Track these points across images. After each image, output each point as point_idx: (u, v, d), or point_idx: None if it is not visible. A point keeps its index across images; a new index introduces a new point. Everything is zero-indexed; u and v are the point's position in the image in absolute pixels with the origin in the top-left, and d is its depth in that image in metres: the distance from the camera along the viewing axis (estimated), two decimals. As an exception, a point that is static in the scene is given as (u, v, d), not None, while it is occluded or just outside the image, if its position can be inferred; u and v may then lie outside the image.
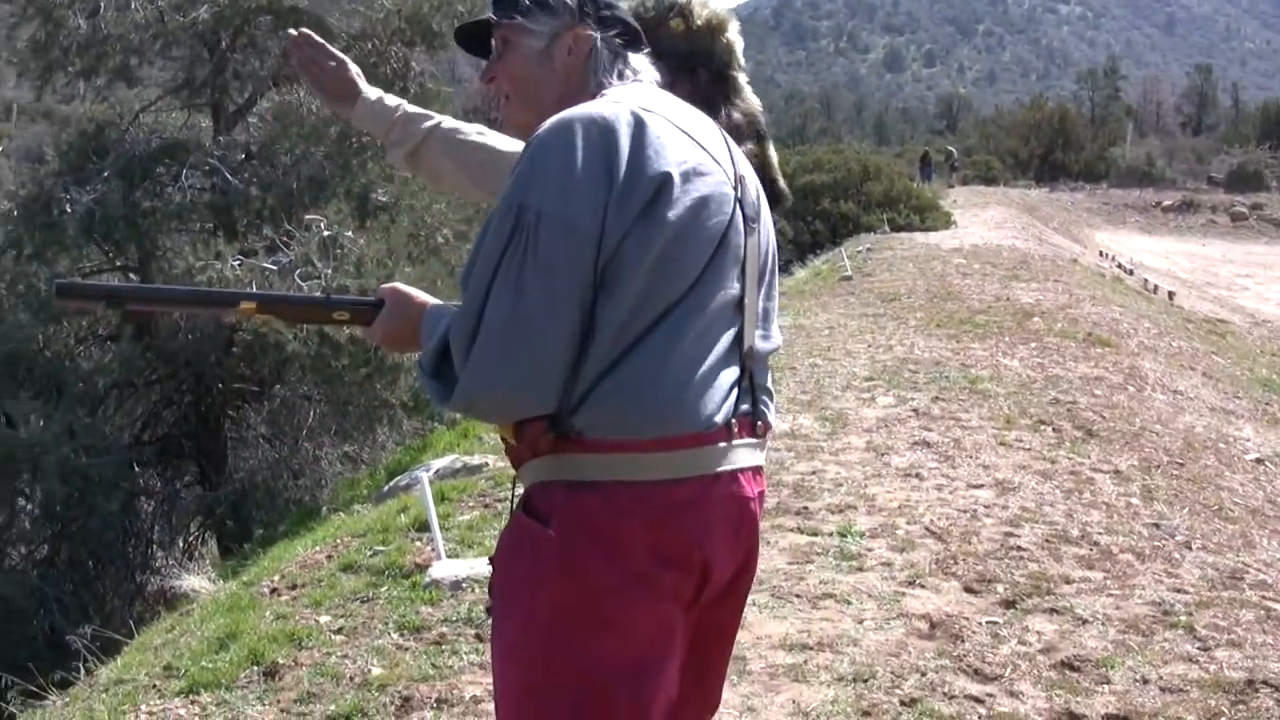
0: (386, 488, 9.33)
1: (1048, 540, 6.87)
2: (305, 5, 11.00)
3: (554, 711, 2.34)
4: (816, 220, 32.95)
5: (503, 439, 2.49)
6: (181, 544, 11.82)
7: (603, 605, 2.31)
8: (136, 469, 11.55)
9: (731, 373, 2.42)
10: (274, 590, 6.61)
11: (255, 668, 5.34)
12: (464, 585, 6.22)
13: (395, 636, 5.64)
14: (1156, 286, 27.35)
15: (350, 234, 10.79)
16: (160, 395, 11.92)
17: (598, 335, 2.27)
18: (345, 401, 12.14)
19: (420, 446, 10.88)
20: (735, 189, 2.46)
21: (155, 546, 11.67)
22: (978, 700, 4.86)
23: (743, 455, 2.43)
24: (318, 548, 7.45)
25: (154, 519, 11.72)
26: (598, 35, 2.61)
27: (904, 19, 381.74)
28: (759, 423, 2.51)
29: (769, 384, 2.60)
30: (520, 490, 2.51)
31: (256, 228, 10.86)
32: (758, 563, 2.64)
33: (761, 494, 2.54)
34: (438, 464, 9.10)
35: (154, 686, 5.34)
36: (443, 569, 6.39)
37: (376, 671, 5.21)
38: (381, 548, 6.98)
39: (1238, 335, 20.94)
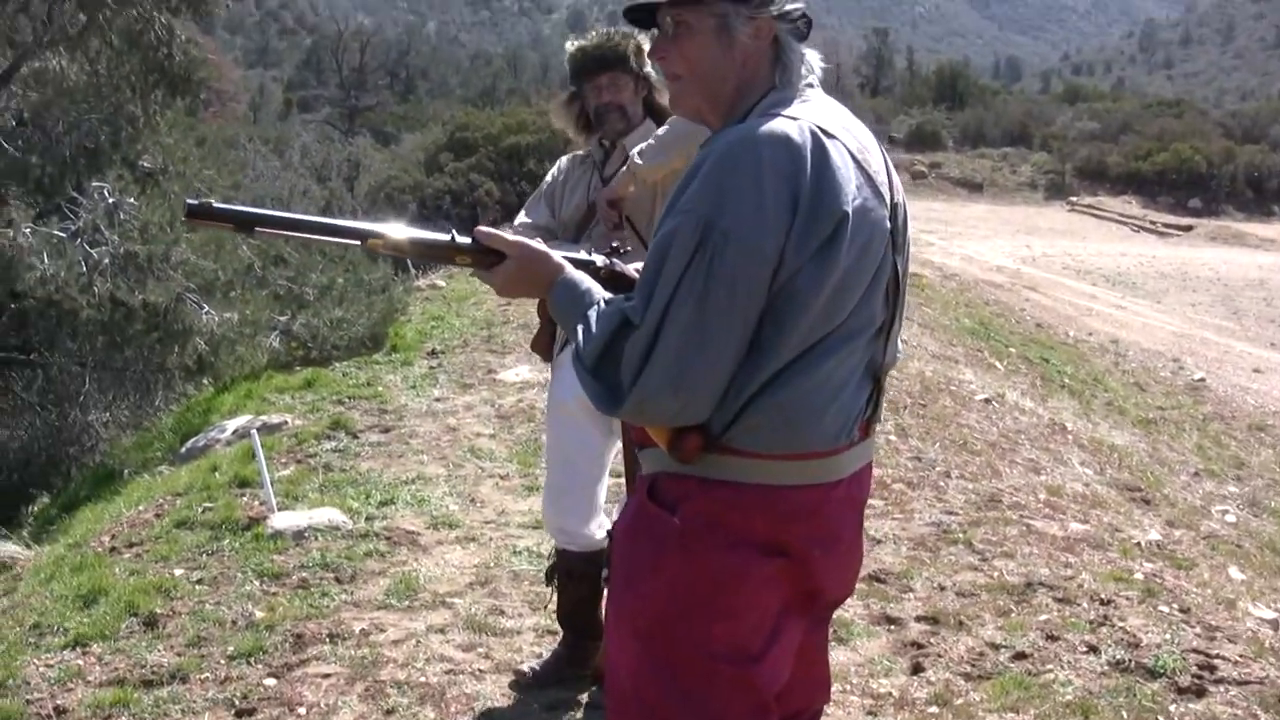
0: (184, 449, 9.45)
1: (829, 475, 7.62)
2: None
3: (668, 687, 2.51)
4: (523, 181, 33.21)
5: (633, 432, 2.64)
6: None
7: (716, 592, 2.45)
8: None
9: (865, 391, 2.57)
10: (112, 549, 6.76)
11: (133, 618, 5.54)
12: (307, 535, 6.54)
13: (258, 583, 5.95)
14: (853, 242, 28.71)
15: (133, 200, 10.82)
16: (-76, 365, 11.67)
17: (758, 357, 2.37)
18: (122, 368, 12.12)
19: (204, 408, 10.98)
20: (891, 219, 2.53)
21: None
22: (808, 611, 5.54)
23: (858, 456, 2.60)
24: (141, 507, 7.59)
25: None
26: (780, 23, 2.56)
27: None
28: (873, 424, 2.67)
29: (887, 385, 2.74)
30: (643, 466, 2.64)
31: (32, 195, 10.74)
32: (862, 549, 2.85)
33: (868, 483, 2.74)
34: (234, 424, 9.27)
35: (30, 644, 5.43)
36: (282, 520, 6.69)
37: (259, 614, 5.53)
38: (209, 504, 7.17)
39: (934, 288, 22.31)
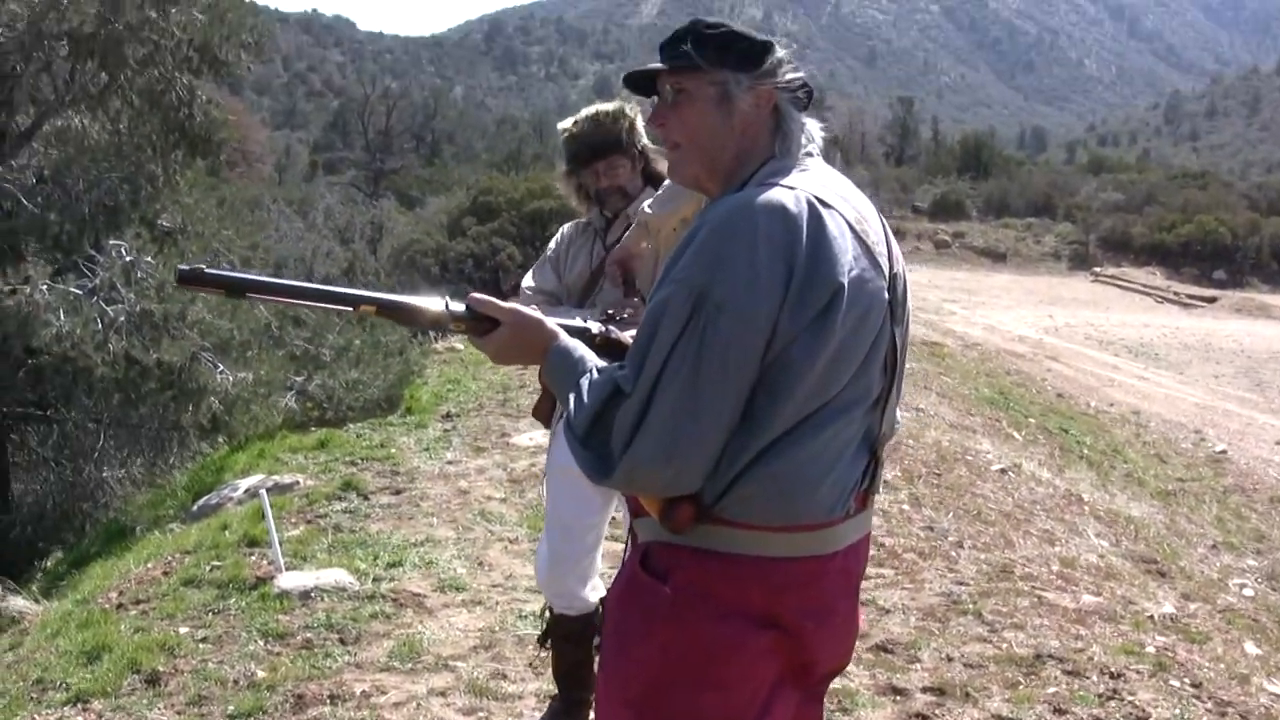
0: (196, 507, 9.46)
1: (839, 544, 7.57)
2: (103, 33, 11.04)
3: None
4: (545, 246, 33.10)
5: (629, 501, 2.68)
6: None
7: (708, 662, 2.42)
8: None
9: (861, 463, 2.53)
10: (119, 606, 6.76)
11: (135, 676, 5.53)
12: (313, 595, 6.52)
13: (262, 643, 5.92)
14: (874, 311, 28.68)
15: (150, 259, 10.90)
16: (-60, 421, 11.73)
17: (751, 426, 2.35)
18: (137, 425, 12.16)
19: (218, 467, 11.00)
20: (889, 290, 2.50)
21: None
22: (813, 680, 5.48)
23: (854, 528, 2.56)
24: (149, 564, 7.60)
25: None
26: (781, 92, 2.57)
27: (614, 47, 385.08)
28: (871, 495, 2.63)
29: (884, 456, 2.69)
30: (638, 535, 2.61)
31: (50, 252, 10.84)
32: (860, 624, 2.79)
33: (866, 554, 2.70)
34: (245, 483, 9.28)
35: (31, 698, 5.44)
36: (289, 580, 6.67)
37: (261, 674, 5.50)
38: (218, 563, 7.18)
39: (954, 357, 22.29)
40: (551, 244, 4.89)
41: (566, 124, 4.74)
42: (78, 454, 12.49)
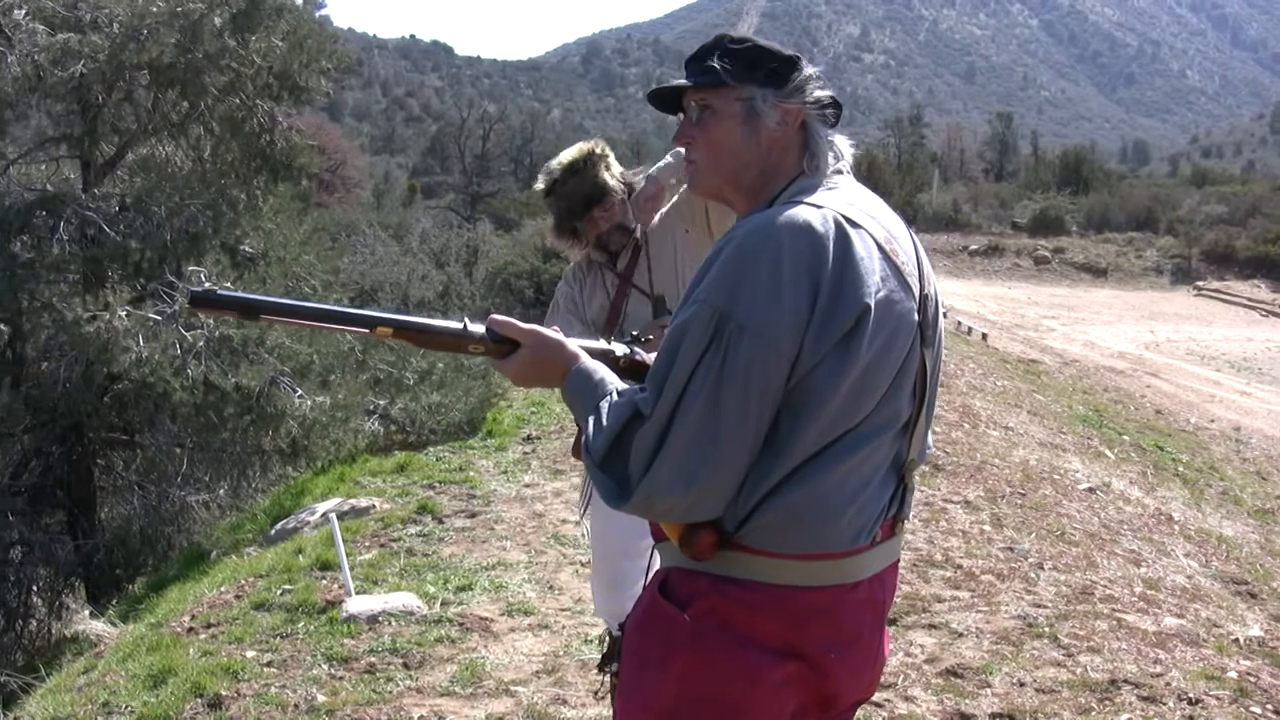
0: (274, 531, 9.53)
1: (915, 565, 7.45)
2: (183, 63, 11.21)
3: None
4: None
5: (650, 526, 2.58)
6: (59, 590, 11.78)
7: (725, 691, 2.35)
8: (11, 518, 11.51)
9: (888, 489, 2.46)
10: (190, 629, 6.81)
11: (198, 700, 5.57)
12: (380, 619, 6.53)
13: (326, 667, 5.93)
14: (970, 328, 28.49)
15: (229, 285, 11.00)
16: (31, 444, 11.89)
17: (774, 451, 2.29)
18: (219, 449, 12.31)
19: (298, 490, 11.09)
20: (919, 311, 2.44)
21: (34, 595, 11.65)
22: (878, 705, 5.37)
23: (880, 556, 2.48)
24: (223, 588, 7.65)
25: (26, 566, 11.65)
26: (809, 109, 2.53)
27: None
28: (900, 522, 2.56)
29: (914, 481, 2.61)
30: (657, 561, 2.58)
31: (131, 279, 11.00)
32: (886, 653, 2.65)
33: (894, 582, 2.60)
34: (323, 507, 9.33)
35: (98, 722, 5.55)
36: (357, 604, 6.68)
37: (321, 698, 5.50)
38: (289, 586, 7.23)
39: (1050, 374, 21.99)
40: (560, 294, 4.82)
41: (542, 184, 4.69)
42: (162, 478, 12.66)
